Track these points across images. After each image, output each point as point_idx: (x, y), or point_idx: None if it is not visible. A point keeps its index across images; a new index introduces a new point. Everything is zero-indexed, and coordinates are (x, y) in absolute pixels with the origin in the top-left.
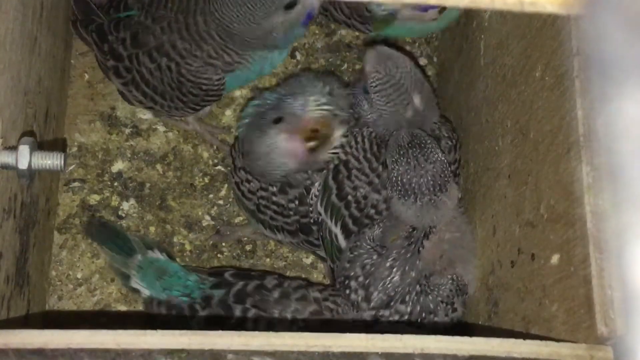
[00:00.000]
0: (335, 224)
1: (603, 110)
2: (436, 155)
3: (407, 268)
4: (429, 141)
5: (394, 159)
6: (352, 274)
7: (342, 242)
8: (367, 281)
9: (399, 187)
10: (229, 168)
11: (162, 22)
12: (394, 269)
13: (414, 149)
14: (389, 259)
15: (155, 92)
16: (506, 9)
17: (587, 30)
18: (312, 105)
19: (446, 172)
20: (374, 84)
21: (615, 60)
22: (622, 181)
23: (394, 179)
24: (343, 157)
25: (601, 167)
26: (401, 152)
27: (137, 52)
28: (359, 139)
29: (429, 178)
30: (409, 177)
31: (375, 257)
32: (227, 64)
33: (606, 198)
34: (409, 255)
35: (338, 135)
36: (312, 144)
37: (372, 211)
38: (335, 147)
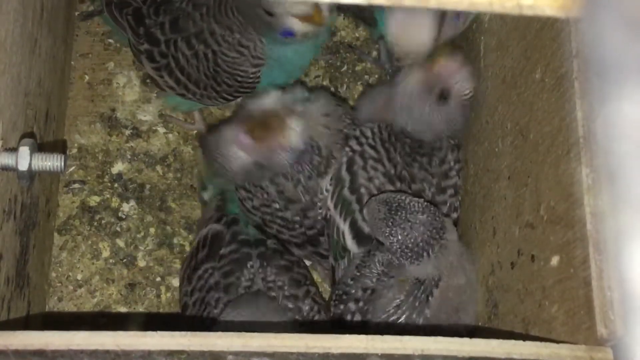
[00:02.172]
0: (344, 221)
1: (602, 112)
2: (419, 203)
3: (414, 315)
4: (403, 197)
5: (386, 234)
6: (352, 291)
7: (349, 240)
8: (366, 308)
9: (409, 254)
10: None
11: (201, 9)
12: (399, 311)
13: (399, 213)
14: (396, 299)
15: (190, 79)
16: (504, 12)
17: (586, 32)
18: (264, 99)
19: (436, 212)
20: (465, 96)
21: (614, 61)
22: (621, 182)
23: (400, 249)
24: (358, 148)
25: (600, 168)
26: (389, 223)
27: (176, 38)
28: (375, 130)
29: (429, 228)
30: (411, 239)
31: (375, 280)
32: (254, 58)
33: (605, 199)
34: (417, 303)
35: (293, 127)
36: (257, 131)
37: None
38: (297, 144)
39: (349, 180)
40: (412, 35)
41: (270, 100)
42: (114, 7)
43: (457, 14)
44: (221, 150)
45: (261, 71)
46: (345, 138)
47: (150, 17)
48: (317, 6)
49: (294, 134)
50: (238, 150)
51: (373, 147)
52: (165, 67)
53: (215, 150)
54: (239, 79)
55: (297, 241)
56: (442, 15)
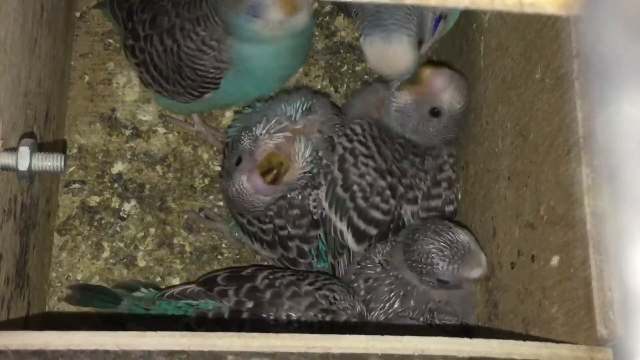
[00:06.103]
0: (341, 220)
1: (602, 112)
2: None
3: (402, 294)
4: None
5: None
6: (354, 285)
7: (350, 240)
8: (368, 296)
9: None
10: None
11: (178, 6)
12: (392, 294)
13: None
14: (387, 283)
15: (161, 75)
16: (506, 10)
17: (587, 31)
18: (263, 138)
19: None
20: (455, 109)
21: (614, 62)
22: (621, 182)
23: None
24: (348, 145)
25: (600, 169)
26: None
27: (152, 34)
28: (365, 126)
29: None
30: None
31: (379, 269)
32: (217, 60)
33: (605, 199)
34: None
35: (302, 154)
36: (269, 177)
37: (378, 199)
38: (306, 165)
39: (342, 178)
40: (390, 61)
41: (266, 136)
42: (115, 4)
43: (439, 17)
44: (241, 198)
45: (225, 73)
46: (333, 143)
47: (137, 14)
48: None
49: (302, 158)
50: (255, 196)
51: (363, 144)
52: (143, 63)
53: (238, 199)
54: (200, 73)
55: (267, 238)
56: (421, 32)
